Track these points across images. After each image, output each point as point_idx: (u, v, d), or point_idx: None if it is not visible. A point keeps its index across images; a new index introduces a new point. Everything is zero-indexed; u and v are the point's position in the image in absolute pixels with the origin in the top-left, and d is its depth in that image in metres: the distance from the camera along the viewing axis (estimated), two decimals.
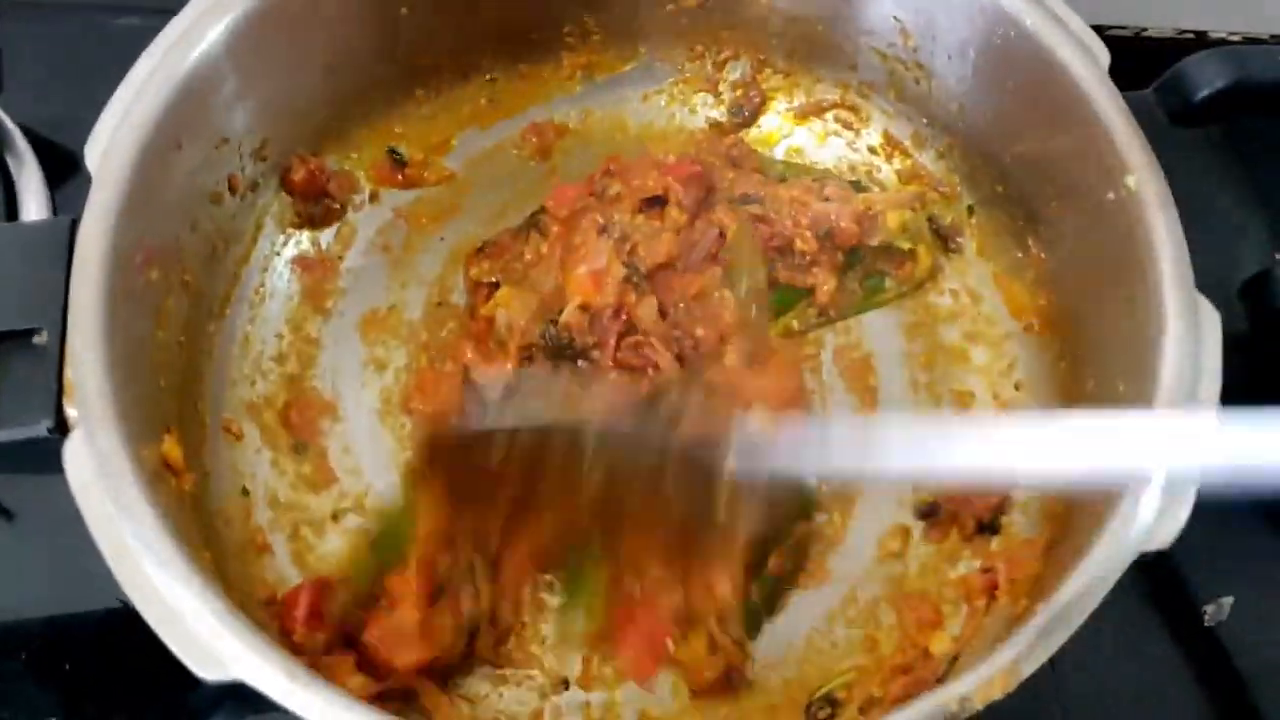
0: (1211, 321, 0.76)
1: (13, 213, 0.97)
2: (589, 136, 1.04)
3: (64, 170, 1.01)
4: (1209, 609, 0.88)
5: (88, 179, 0.76)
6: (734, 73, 1.03)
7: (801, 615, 0.86)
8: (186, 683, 0.64)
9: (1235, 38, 1.17)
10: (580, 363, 0.87)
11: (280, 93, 0.87)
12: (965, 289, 0.97)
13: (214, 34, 0.80)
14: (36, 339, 0.71)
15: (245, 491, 0.86)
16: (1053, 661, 0.86)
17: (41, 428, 0.69)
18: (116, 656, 0.86)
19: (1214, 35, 1.18)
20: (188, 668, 0.64)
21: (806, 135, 1.04)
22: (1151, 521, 0.70)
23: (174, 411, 0.80)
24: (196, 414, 0.85)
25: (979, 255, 0.98)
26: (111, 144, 0.75)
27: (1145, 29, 1.17)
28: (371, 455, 0.90)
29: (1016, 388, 0.93)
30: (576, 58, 1.02)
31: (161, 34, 0.80)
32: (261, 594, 0.81)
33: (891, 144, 1.01)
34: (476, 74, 1.00)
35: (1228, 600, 0.88)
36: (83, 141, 0.77)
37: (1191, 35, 1.18)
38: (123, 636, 0.83)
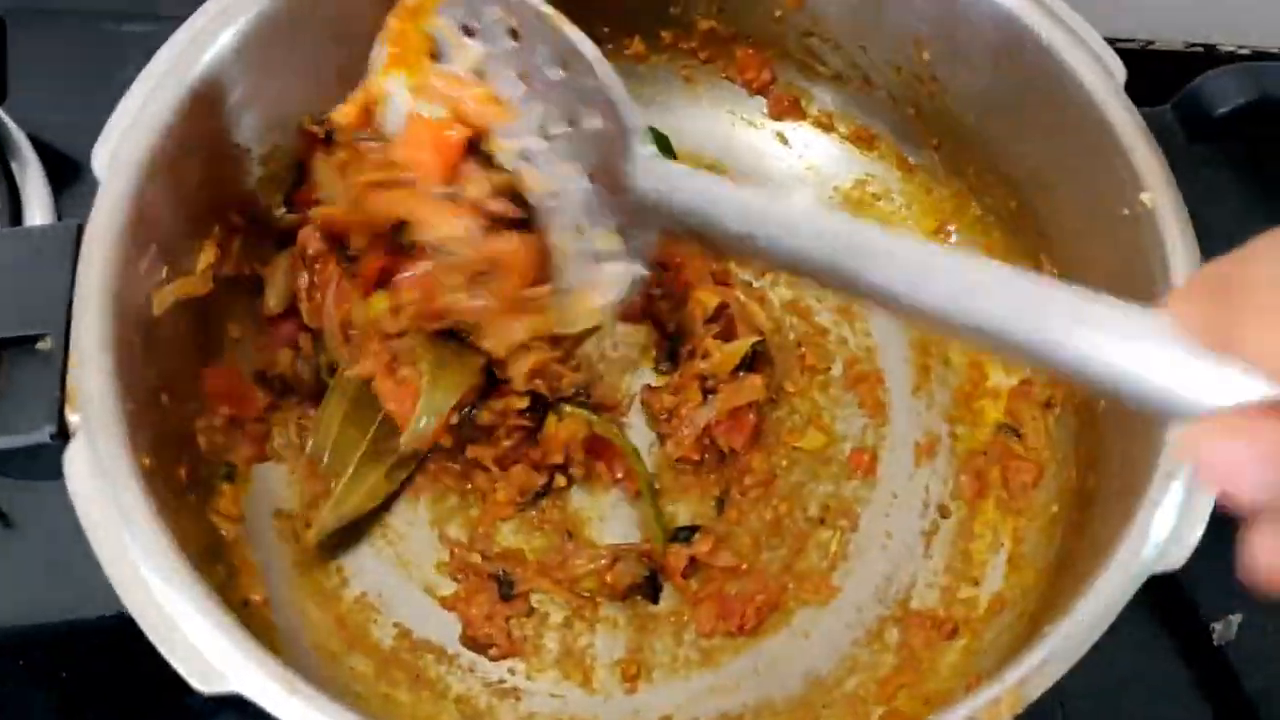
0: None
1: (17, 218, 0.97)
2: None
3: (68, 176, 1.01)
4: (1217, 627, 0.88)
5: (92, 185, 0.75)
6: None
7: (806, 632, 0.87)
8: (184, 692, 0.64)
9: (1245, 51, 1.17)
10: None
11: (289, 100, 0.86)
12: None
13: (223, 40, 0.79)
14: (40, 345, 0.71)
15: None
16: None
17: (44, 434, 0.69)
18: (115, 665, 0.86)
19: (1223, 49, 1.17)
20: (187, 681, 0.63)
21: (820, 147, 1.03)
22: (1163, 543, 0.69)
23: (178, 420, 0.80)
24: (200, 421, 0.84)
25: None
26: (119, 149, 0.75)
27: (1153, 42, 1.17)
28: None
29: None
30: None
31: (170, 40, 0.79)
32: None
33: (904, 158, 1.01)
34: None
35: (1236, 619, 0.88)
36: (88, 148, 0.76)
37: (1200, 49, 1.17)
38: (121, 645, 0.82)
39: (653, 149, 0.72)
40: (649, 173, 0.70)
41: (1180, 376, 0.46)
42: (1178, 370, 0.46)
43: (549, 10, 0.73)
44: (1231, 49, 1.17)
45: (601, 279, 0.77)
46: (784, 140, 1.03)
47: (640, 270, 0.75)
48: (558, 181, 0.76)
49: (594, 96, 0.72)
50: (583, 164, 0.75)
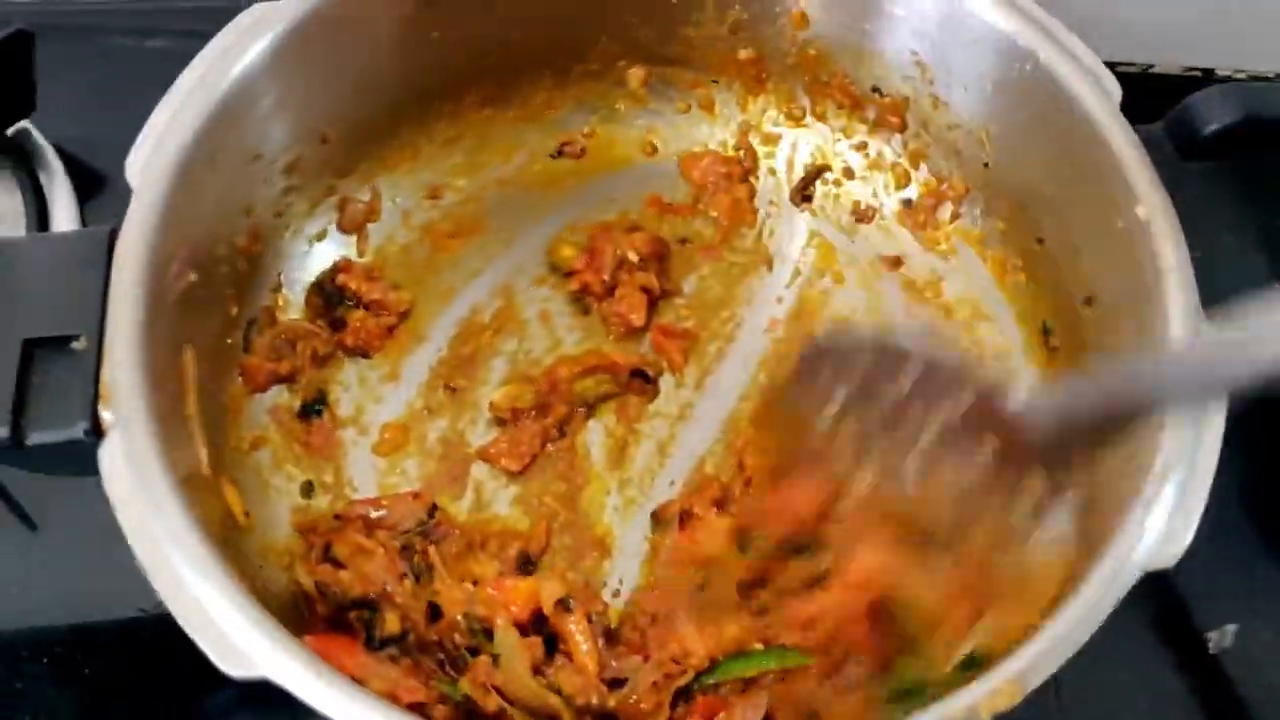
0: None
1: (44, 227, 0.99)
2: (612, 159, 1.06)
3: (93, 188, 1.04)
4: (1213, 636, 0.89)
5: (117, 195, 0.78)
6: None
7: None
8: (205, 690, 0.65)
9: (1241, 75, 1.19)
10: None
11: (314, 111, 0.89)
12: (977, 314, 0.99)
13: (253, 53, 0.82)
14: (75, 345, 0.73)
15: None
16: (1058, 688, 0.88)
17: (78, 430, 0.70)
18: (137, 663, 0.87)
19: (1221, 73, 1.19)
20: (215, 665, 0.65)
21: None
22: (1156, 541, 0.71)
23: (206, 416, 0.82)
24: (226, 420, 0.87)
25: (990, 279, 0.99)
26: (151, 156, 0.77)
27: (1153, 66, 1.19)
28: (389, 468, 0.92)
29: None
30: (600, 85, 1.05)
31: (202, 51, 0.82)
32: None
33: (907, 176, 1.03)
34: (505, 100, 1.02)
35: (1231, 628, 0.89)
36: (113, 160, 0.79)
37: (1199, 73, 1.19)
38: (143, 644, 0.84)
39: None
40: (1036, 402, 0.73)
41: None
42: None
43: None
44: (1228, 72, 1.19)
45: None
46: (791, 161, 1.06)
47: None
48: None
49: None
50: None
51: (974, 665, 0.73)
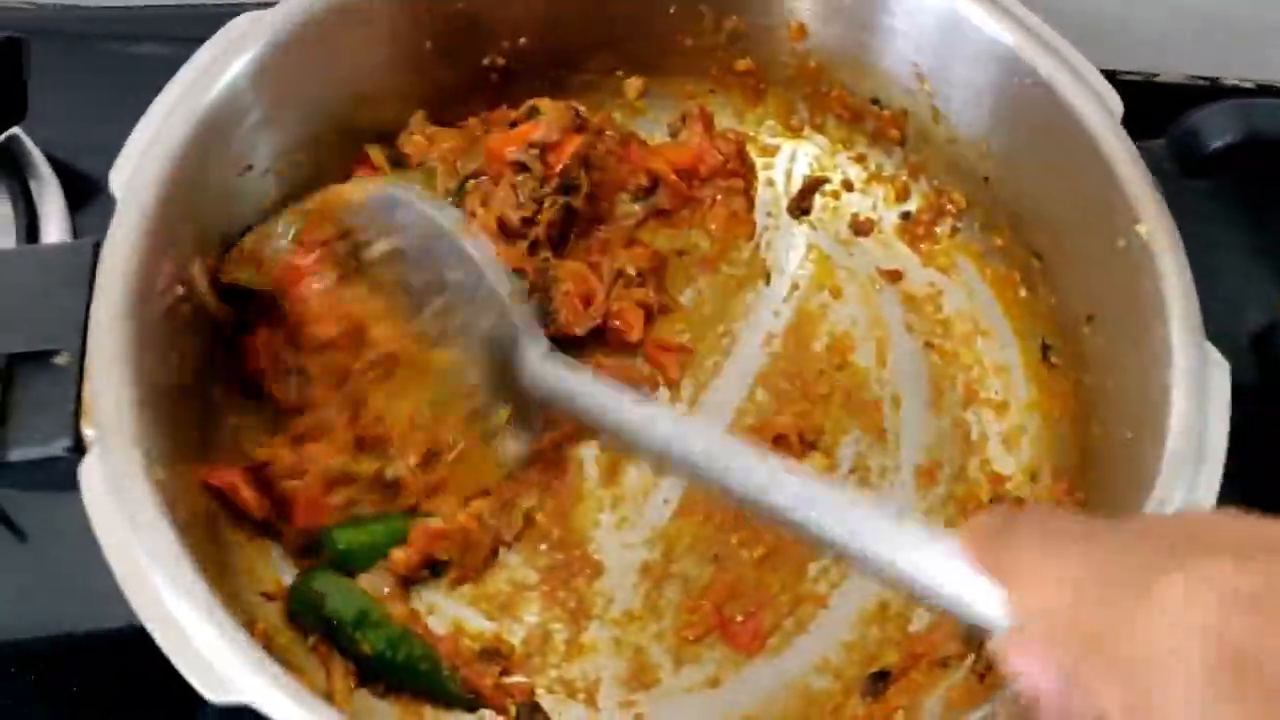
0: (1220, 371, 0.76)
1: (34, 235, 0.99)
2: None
3: (85, 194, 1.03)
4: None
5: (108, 203, 0.76)
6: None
7: (805, 653, 0.87)
8: (194, 705, 0.64)
9: (1248, 84, 1.18)
10: None
11: (303, 124, 0.88)
12: (976, 329, 0.98)
13: (240, 64, 0.81)
14: (57, 360, 0.72)
15: None
16: None
17: (59, 447, 0.70)
18: (125, 678, 0.86)
19: (1226, 82, 1.18)
20: (196, 689, 0.64)
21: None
22: None
23: (194, 432, 0.82)
24: (215, 436, 0.85)
25: (989, 295, 0.99)
26: (137, 170, 0.76)
27: (1157, 75, 1.18)
28: None
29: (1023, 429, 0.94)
30: (596, 95, 1.03)
31: (188, 63, 0.81)
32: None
33: (906, 190, 1.02)
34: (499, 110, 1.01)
35: None
36: (104, 166, 0.78)
37: (1204, 82, 1.18)
38: (131, 658, 0.83)
39: (543, 347, 0.83)
40: (538, 370, 0.82)
41: (969, 591, 0.54)
42: (965, 585, 0.54)
43: (447, 225, 0.84)
44: (1234, 81, 1.18)
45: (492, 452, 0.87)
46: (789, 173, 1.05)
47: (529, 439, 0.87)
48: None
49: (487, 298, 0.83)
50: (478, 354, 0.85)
51: None
